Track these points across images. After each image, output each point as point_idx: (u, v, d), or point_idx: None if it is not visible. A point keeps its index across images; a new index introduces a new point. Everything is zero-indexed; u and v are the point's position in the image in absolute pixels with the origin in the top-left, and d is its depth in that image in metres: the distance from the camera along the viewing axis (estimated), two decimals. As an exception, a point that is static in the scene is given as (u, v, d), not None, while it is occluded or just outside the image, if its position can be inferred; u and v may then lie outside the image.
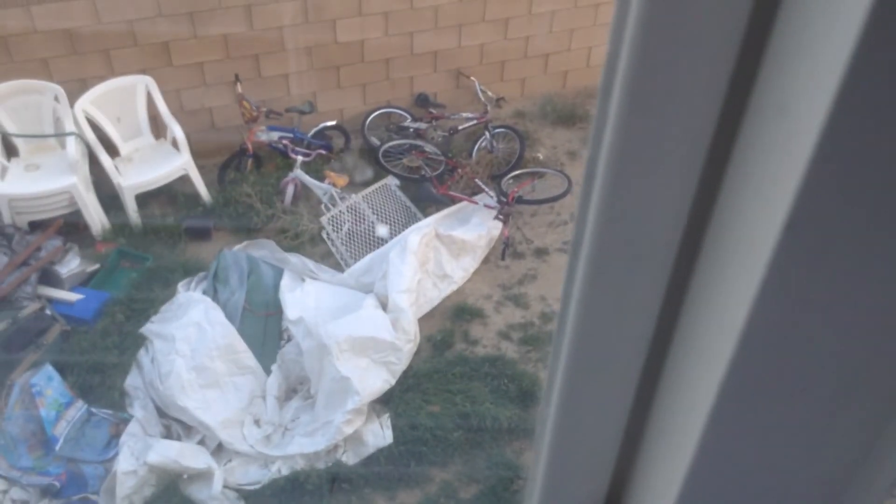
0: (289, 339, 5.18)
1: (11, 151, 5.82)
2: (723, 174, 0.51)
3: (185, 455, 4.46)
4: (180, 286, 5.40)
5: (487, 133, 6.47)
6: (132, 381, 4.86)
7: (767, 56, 0.46)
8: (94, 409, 4.68)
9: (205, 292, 5.31)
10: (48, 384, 4.58)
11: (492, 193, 6.02)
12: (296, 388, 5.03)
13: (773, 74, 0.46)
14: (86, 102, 5.74)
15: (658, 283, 0.57)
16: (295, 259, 5.60)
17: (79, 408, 4.63)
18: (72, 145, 5.59)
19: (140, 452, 4.44)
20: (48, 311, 5.05)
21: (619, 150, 0.51)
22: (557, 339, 0.65)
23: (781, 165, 0.44)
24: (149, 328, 5.05)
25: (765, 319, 0.47)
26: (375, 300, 5.23)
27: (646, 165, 0.51)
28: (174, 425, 4.74)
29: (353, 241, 5.84)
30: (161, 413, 4.76)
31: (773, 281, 0.45)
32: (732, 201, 0.50)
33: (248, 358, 4.94)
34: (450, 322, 5.40)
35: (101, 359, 4.93)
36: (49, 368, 4.64)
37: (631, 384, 0.64)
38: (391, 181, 6.18)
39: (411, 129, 6.61)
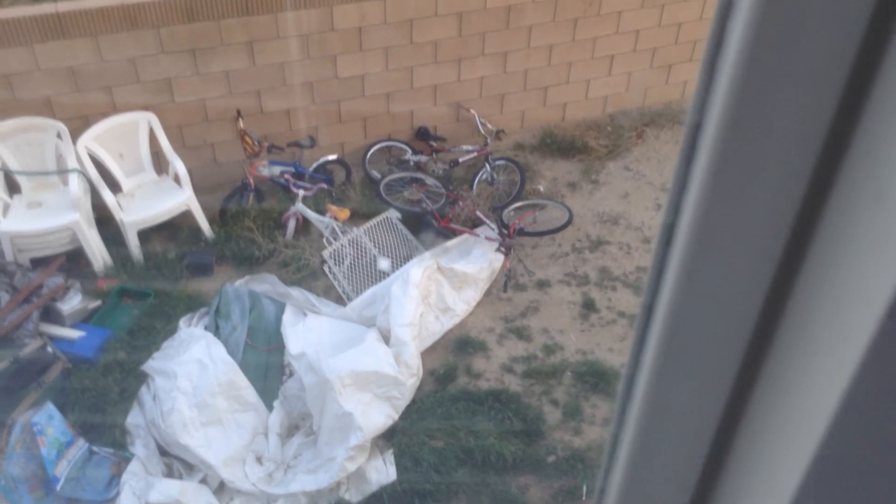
0: (291, 375, 5.16)
1: (14, 189, 5.84)
2: (807, 251, 0.50)
3: (187, 494, 4.42)
4: (182, 322, 5.39)
5: (488, 165, 6.50)
6: (133, 418, 4.83)
7: (858, 138, 0.45)
8: (95, 448, 4.66)
9: (206, 328, 5.30)
10: (49, 423, 4.55)
11: (493, 226, 6.03)
12: (298, 425, 5.00)
13: (867, 158, 0.44)
14: (88, 139, 5.77)
15: (736, 353, 0.56)
16: (297, 293, 5.60)
17: (80, 447, 4.60)
18: (74, 182, 5.61)
19: (141, 492, 4.40)
20: (50, 349, 5.04)
21: (701, 222, 0.50)
22: (624, 397, 0.64)
23: (879, 254, 0.42)
24: (150, 365, 5.03)
25: (861, 402, 0.45)
26: (378, 334, 5.22)
27: (727, 237, 0.51)
28: (176, 464, 4.70)
29: (355, 274, 5.84)
30: (163, 451, 4.73)
31: (872, 366, 0.44)
32: (820, 281, 0.49)
33: (249, 394, 4.91)
34: (452, 355, 5.39)
35: (102, 396, 4.91)
36: (50, 407, 4.62)
37: (703, 450, 0.63)
38: (392, 214, 6.20)
39: (412, 163, 6.64)
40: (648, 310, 0.58)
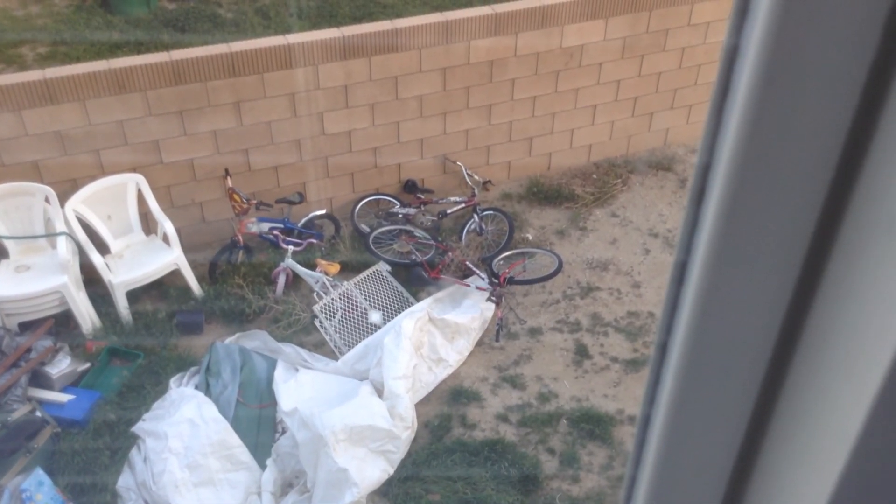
0: (283, 432, 5.09)
1: (1, 253, 5.82)
2: (820, 283, 0.51)
3: (180, 557, 4.32)
4: (172, 382, 5.34)
5: (476, 216, 6.54)
6: (124, 481, 4.75)
7: (868, 170, 0.46)
8: (85, 513, 4.56)
9: (197, 387, 5.24)
10: (38, 489, 4.46)
11: (483, 275, 6.04)
12: (292, 482, 4.92)
13: (879, 188, 0.45)
14: (76, 202, 5.78)
15: (753, 385, 0.57)
16: (288, 349, 5.56)
17: (69, 512, 4.50)
18: (62, 245, 5.60)
19: (133, 557, 4.30)
20: (39, 414, 4.97)
21: (715, 259, 0.51)
22: (640, 437, 0.63)
23: (895, 282, 0.42)
24: (140, 427, 4.96)
25: (879, 430, 0.45)
26: (371, 387, 5.18)
27: (741, 273, 0.51)
28: (168, 526, 4.61)
29: (347, 328, 5.82)
30: (154, 514, 4.63)
31: (890, 394, 0.44)
32: (835, 313, 0.50)
33: (242, 453, 4.84)
34: (447, 406, 5.34)
35: (92, 460, 4.83)
36: (40, 472, 4.53)
37: (720, 491, 0.63)
38: (382, 267, 6.20)
39: (400, 215, 6.67)
40: (662, 349, 0.59)
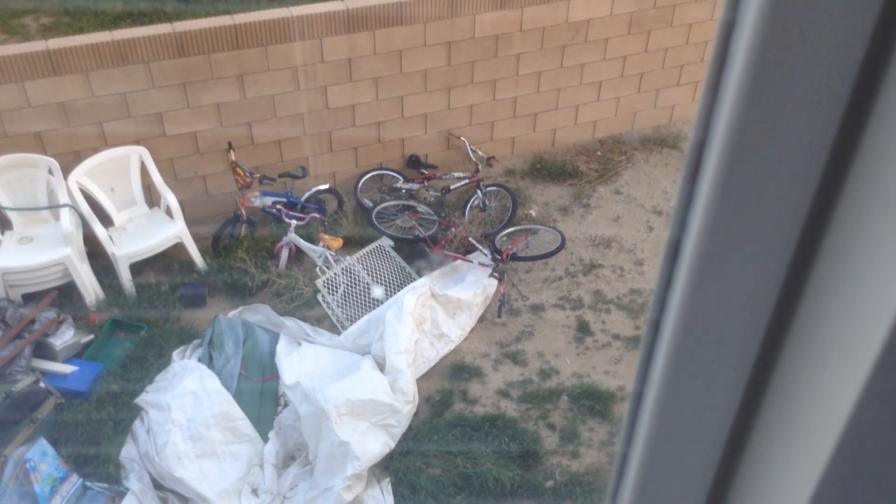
0: (286, 405, 5.12)
1: (5, 225, 5.83)
2: (815, 260, 0.50)
3: (183, 527, 4.37)
4: (175, 354, 5.36)
5: (479, 191, 6.52)
6: (127, 452, 4.79)
7: (864, 145, 0.45)
8: (88, 483, 4.60)
9: (200, 360, 5.27)
10: (42, 459, 4.50)
11: (486, 251, 6.04)
12: (294, 455, 4.96)
13: (875, 164, 0.45)
14: (79, 174, 5.78)
15: (745, 364, 0.57)
16: (291, 323, 5.58)
17: (73, 482, 4.54)
18: (65, 217, 5.61)
19: (136, 526, 4.35)
20: (42, 384, 5.00)
21: (708, 236, 0.50)
22: (633, 414, 0.63)
23: (889, 259, 0.42)
24: (143, 398, 4.99)
25: (873, 409, 0.45)
26: (373, 362, 5.20)
27: (735, 250, 0.51)
28: (171, 497, 4.65)
29: (349, 303, 5.83)
30: (157, 485, 4.68)
31: (883, 372, 0.43)
32: (830, 289, 0.49)
33: (244, 425, 4.88)
34: (448, 382, 5.37)
35: (95, 431, 4.86)
36: (43, 442, 4.57)
37: (713, 464, 0.63)
38: (385, 242, 6.20)
39: (404, 190, 6.66)
40: (655, 326, 0.59)
